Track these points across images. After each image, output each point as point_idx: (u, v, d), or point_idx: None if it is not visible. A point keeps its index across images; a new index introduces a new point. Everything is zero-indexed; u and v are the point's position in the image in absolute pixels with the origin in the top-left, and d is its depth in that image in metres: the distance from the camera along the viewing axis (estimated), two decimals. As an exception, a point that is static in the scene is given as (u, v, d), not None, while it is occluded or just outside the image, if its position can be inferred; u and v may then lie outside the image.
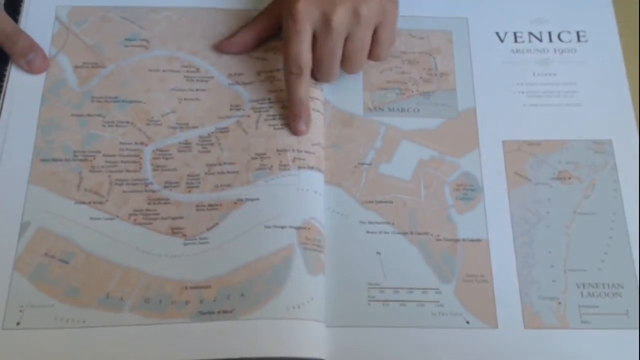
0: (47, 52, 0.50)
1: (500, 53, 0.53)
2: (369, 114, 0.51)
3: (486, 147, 0.50)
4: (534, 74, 0.52)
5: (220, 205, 0.46)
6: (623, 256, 0.46)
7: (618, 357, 0.44)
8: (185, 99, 0.50)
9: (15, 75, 0.50)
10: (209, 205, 0.46)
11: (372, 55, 0.49)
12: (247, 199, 0.46)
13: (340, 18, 0.45)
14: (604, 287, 0.45)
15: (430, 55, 0.53)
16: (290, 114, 0.48)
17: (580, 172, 0.49)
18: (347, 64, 0.48)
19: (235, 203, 0.46)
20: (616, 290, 0.45)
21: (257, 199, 0.46)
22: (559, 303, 0.45)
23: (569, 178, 0.49)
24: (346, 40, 0.47)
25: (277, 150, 0.48)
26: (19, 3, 0.52)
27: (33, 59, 0.49)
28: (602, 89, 0.52)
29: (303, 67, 0.46)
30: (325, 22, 0.45)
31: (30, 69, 0.50)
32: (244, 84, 0.51)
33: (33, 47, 0.50)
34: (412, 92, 0.51)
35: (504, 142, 0.50)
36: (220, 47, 0.52)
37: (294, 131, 0.48)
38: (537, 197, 0.48)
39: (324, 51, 0.47)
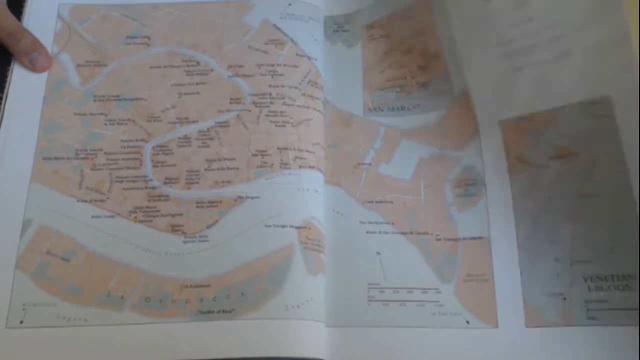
0: (49, 50, 0.50)
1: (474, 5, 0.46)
2: (369, 114, 0.50)
3: (485, 132, 0.48)
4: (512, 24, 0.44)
5: (220, 202, 0.46)
6: (633, 243, 0.42)
7: (629, 356, 0.41)
8: (185, 94, 0.50)
9: (17, 74, 0.50)
10: (209, 202, 0.46)
11: None
12: (247, 197, 0.46)
13: None
14: (613, 280, 0.42)
15: (422, 36, 0.51)
16: None
17: (579, 146, 0.44)
18: None
19: (236, 200, 0.46)
20: (627, 283, 0.42)
21: (258, 197, 0.46)
22: (564, 299, 0.43)
23: (568, 155, 0.45)
24: None
25: (278, 148, 0.47)
26: (21, 1, 0.52)
27: (36, 58, 0.50)
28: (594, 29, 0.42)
29: None
30: None
31: (33, 67, 0.50)
32: (244, 76, 0.50)
33: (36, 45, 0.50)
34: (411, 85, 0.51)
35: (500, 122, 0.47)
36: None
37: None
38: (538, 182, 0.45)
39: None
